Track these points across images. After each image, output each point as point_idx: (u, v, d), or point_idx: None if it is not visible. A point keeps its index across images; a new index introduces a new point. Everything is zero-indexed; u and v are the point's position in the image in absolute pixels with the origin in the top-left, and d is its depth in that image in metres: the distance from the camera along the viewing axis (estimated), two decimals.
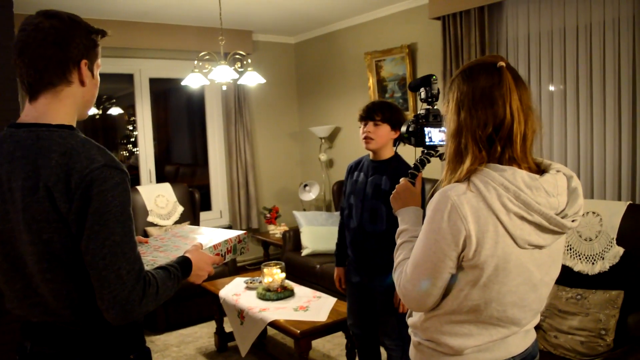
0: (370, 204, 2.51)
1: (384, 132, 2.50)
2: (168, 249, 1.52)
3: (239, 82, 3.93)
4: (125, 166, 1.21)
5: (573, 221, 1.20)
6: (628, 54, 3.11)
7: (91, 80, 1.27)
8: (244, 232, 1.68)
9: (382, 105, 2.52)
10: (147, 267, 1.23)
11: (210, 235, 1.66)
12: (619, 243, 2.51)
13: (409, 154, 1.65)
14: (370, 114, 2.50)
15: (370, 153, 2.60)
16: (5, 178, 1.19)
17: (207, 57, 3.85)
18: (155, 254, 1.46)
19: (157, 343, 3.90)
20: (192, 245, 1.47)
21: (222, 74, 3.63)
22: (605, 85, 3.23)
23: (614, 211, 2.58)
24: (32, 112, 1.22)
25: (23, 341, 1.28)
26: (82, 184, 1.11)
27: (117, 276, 1.12)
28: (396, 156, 2.56)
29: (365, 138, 2.52)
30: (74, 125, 1.26)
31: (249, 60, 3.91)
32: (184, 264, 1.35)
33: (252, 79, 3.84)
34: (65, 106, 1.23)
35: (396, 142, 2.53)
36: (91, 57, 1.25)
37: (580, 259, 2.62)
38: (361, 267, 2.62)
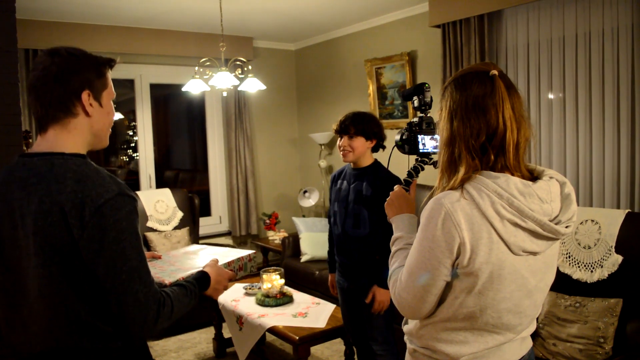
0: (352, 209, 2.59)
1: (359, 144, 2.57)
2: (182, 263, 1.64)
3: (239, 89, 3.94)
4: (133, 192, 1.25)
5: (567, 227, 1.20)
6: (627, 62, 3.12)
7: (98, 109, 1.28)
8: (253, 252, 1.83)
9: (354, 119, 2.58)
10: (168, 278, 1.29)
11: (221, 253, 1.81)
12: (617, 251, 2.51)
13: (403, 162, 1.65)
14: (344, 129, 2.58)
15: (351, 162, 2.67)
16: (17, 205, 1.20)
17: (208, 63, 3.86)
18: (172, 268, 1.58)
19: (156, 348, 3.89)
20: (210, 260, 1.54)
21: (223, 80, 3.64)
22: (604, 94, 3.24)
23: (613, 219, 2.58)
24: (44, 142, 1.25)
25: None
26: (98, 212, 1.14)
27: (135, 299, 1.17)
28: (375, 163, 2.64)
29: (342, 151, 2.60)
30: (85, 154, 1.28)
31: (250, 67, 3.93)
32: (202, 279, 1.41)
33: (253, 85, 3.85)
34: (74, 136, 1.26)
35: (375, 149, 2.63)
36: (95, 88, 1.27)
37: (579, 266, 2.62)
38: (347, 271, 2.70)
